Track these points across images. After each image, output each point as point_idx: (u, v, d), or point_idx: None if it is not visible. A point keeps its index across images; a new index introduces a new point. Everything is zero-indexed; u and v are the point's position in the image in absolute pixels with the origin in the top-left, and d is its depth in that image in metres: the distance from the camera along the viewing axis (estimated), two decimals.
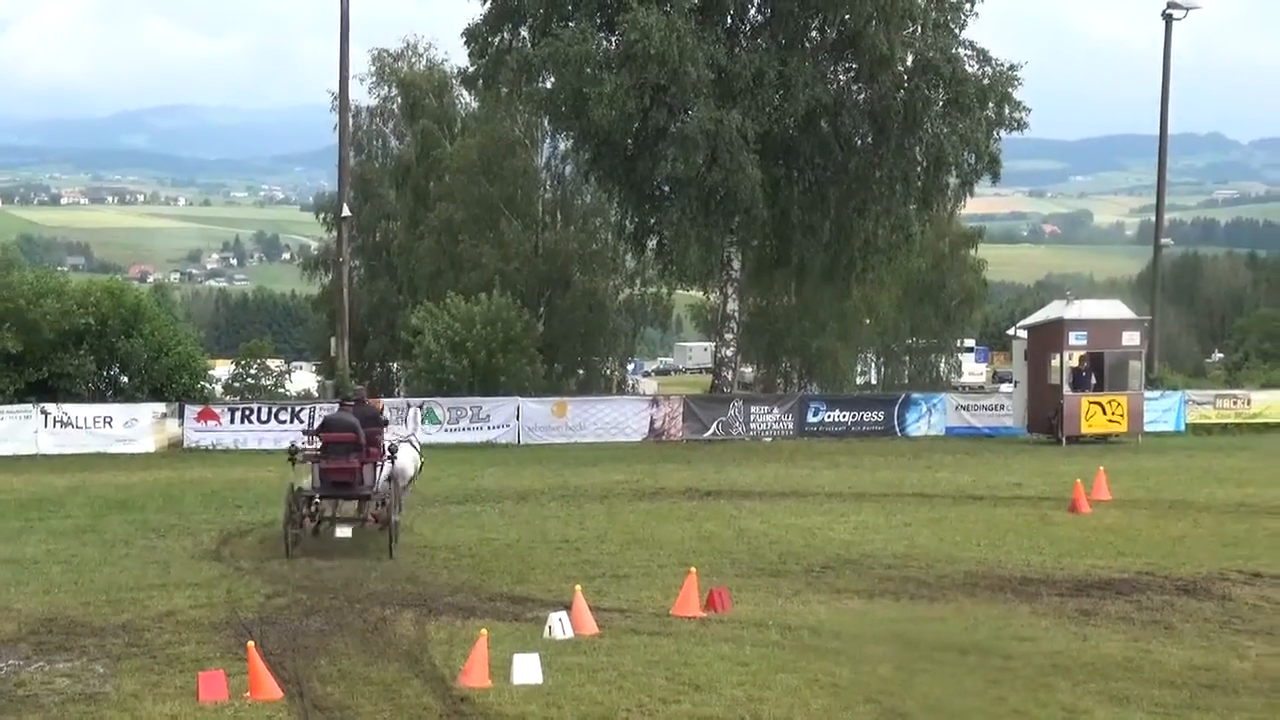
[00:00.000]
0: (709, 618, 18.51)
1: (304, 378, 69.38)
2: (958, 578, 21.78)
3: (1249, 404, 54.02)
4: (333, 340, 58.92)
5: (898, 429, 51.72)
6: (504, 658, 15.35)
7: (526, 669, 15.07)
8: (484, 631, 15.61)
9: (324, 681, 15.14)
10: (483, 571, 22.43)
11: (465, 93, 66.67)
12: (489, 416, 49.35)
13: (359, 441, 24.15)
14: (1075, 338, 48.74)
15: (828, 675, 15.36)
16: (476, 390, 51.64)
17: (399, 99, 72.01)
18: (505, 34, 52.72)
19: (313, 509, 24.08)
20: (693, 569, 19.66)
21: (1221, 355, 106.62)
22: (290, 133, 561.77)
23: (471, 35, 52.66)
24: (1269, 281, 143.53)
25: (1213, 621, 18.71)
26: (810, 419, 51.77)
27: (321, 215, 77.82)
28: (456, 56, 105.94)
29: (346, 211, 56.85)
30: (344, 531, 23.77)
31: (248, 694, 14.43)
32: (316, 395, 56.03)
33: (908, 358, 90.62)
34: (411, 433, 35.51)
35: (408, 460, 26.92)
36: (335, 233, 60.07)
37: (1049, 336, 49.66)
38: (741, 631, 17.66)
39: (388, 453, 24.86)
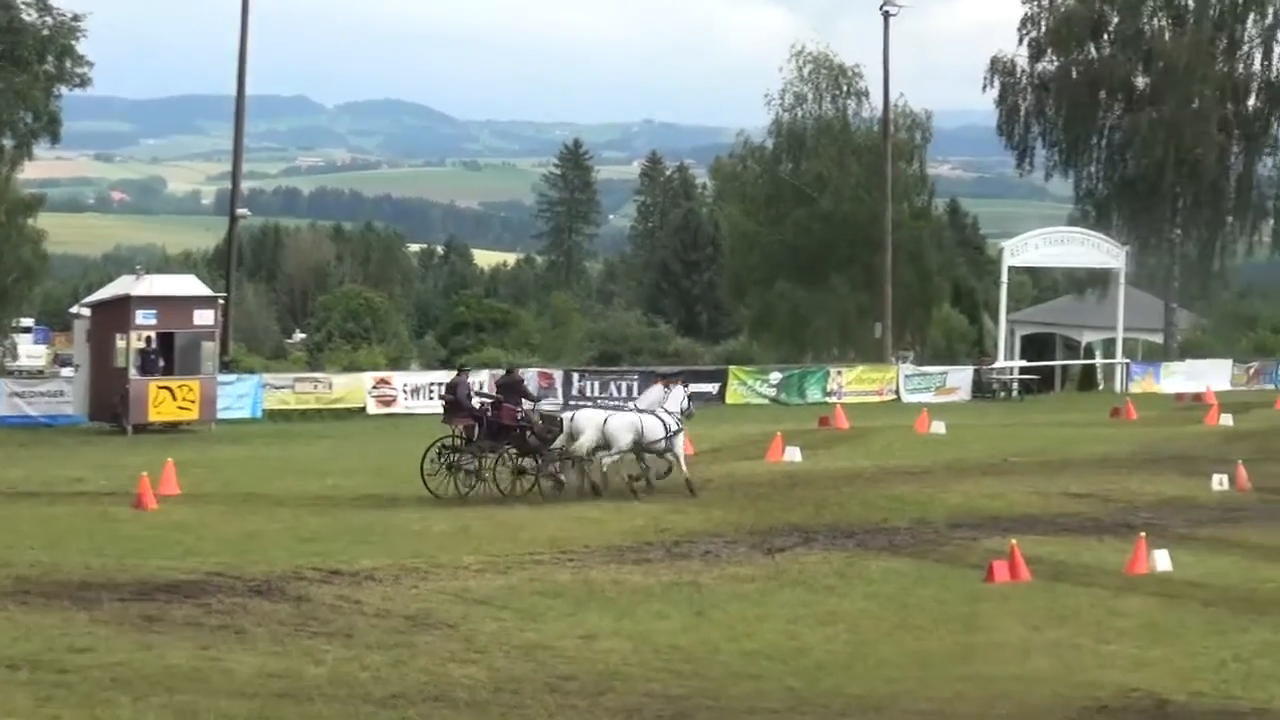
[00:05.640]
0: None
1: None
2: (8, 584, 21.41)
3: (330, 388, 55.77)
4: None
5: None
6: None
7: None
8: None
9: None
10: None
11: None
12: None
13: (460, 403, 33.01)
14: (143, 317, 48.69)
15: None
16: None
17: None
18: None
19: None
20: None
21: (303, 335, 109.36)
22: None
23: None
24: (354, 255, 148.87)
25: (287, 624, 19.31)
26: None
27: None
28: None
29: None
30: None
31: None
32: None
33: None
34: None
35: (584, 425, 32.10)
36: None
37: (114, 315, 49.37)
38: None
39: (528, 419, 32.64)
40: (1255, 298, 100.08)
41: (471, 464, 32.18)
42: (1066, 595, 23.20)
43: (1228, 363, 70.36)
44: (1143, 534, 25.82)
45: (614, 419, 32.56)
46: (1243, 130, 76.75)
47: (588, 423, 32.34)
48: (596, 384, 58.89)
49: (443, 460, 32.35)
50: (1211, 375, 66.86)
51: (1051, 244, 70.84)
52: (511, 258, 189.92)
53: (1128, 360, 71.55)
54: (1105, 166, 77.76)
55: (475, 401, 33.45)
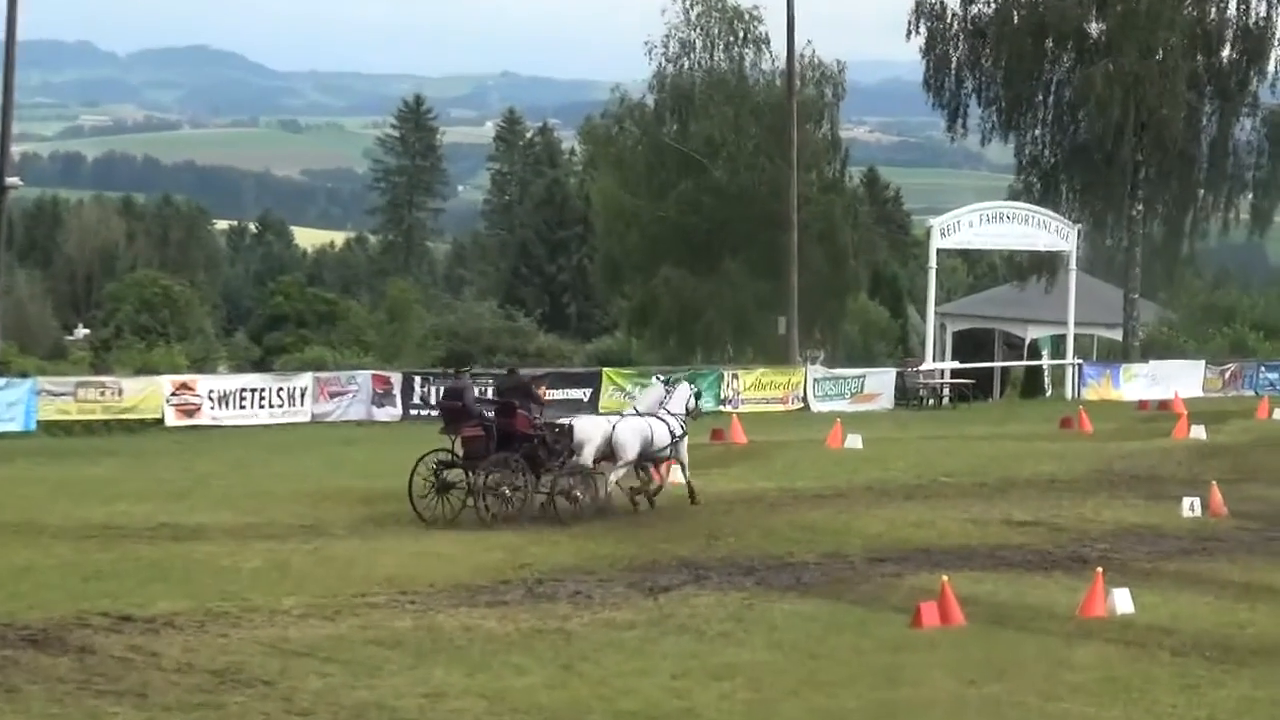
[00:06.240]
0: None
1: None
2: None
3: (120, 394, 55.15)
4: None
5: None
6: None
7: None
8: None
9: None
10: None
11: None
12: None
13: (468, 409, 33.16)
14: None
15: None
16: None
17: None
18: None
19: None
20: None
21: (87, 331, 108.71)
22: None
23: None
24: (148, 234, 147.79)
25: (68, 681, 19.12)
26: None
27: None
28: None
29: None
30: None
31: None
32: None
33: None
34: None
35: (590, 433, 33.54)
36: None
37: None
38: None
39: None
40: (1232, 287, 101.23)
41: (475, 481, 32.39)
42: (1008, 643, 23.35)
43: (1199, 364, 71.12)
44: (1099, 569, 26.00)
45: (622, 426, 33.88)
46: (1216, 86, 77.19)
47: (593, 431, 33.58)
48: (443, 390, 58.27)
49: (438, 478, 32.71)
50: (1180, 379, 67.51)
51: (989, 222, 71.09)
52: (339, 237, 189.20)
53: (1080, 361, 72.13)
54: (1053, 129, 78.20)
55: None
